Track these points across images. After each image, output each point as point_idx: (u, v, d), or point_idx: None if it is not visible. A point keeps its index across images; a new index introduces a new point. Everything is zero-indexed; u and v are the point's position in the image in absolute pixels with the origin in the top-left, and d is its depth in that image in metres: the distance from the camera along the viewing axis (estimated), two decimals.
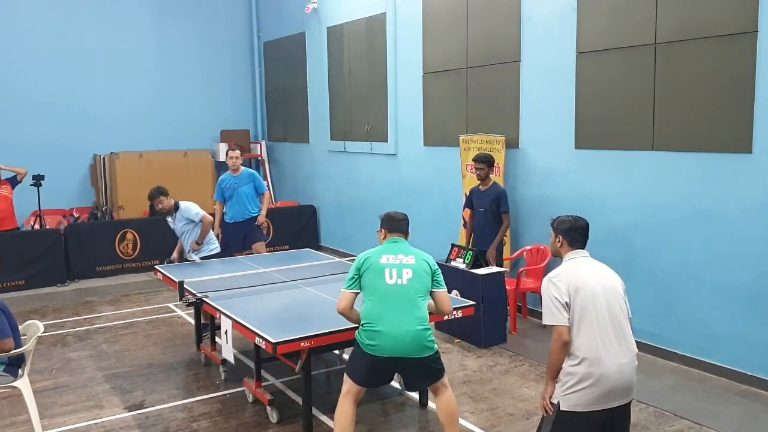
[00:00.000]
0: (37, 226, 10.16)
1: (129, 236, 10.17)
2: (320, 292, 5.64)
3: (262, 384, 5.41)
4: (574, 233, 3.68)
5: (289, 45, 12.29)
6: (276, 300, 5.50)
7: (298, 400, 5.25)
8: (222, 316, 5.13)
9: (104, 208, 11.57)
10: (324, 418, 5.10)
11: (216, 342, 6.15)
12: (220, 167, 12.53)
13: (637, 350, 3.54)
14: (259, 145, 13.27)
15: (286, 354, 4.51)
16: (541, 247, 7.33)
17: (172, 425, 5.09)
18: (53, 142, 11.51)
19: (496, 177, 7.55)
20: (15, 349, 4.71)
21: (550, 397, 3.52)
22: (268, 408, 5.12)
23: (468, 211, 7.57)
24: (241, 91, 13.49)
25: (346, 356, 6.41)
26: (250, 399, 5.44)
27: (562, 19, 6.96)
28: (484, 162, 7.10)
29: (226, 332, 5.07)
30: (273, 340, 4.34)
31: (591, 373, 3.37)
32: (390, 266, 4.21)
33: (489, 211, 7.08)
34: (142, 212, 11.15)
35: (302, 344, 4.42)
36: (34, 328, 5.02)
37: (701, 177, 5.84)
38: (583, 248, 3.70)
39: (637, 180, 6.37)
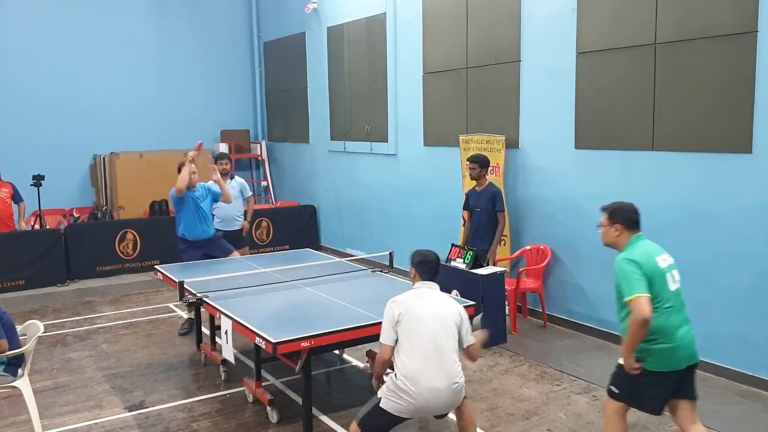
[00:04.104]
0: (37, 226, 10.16)
1: (129, 236, 10.18)
2: (320, 292, 5.64)
3: (262, 384, 5.41)
4: (424, 266, 4.18)
5: (289, 45, 12.29)
6: (276, 300, 5.49)
7: (298, 400, 5.24)
8: (222, 316, 5.13)
9: (104, 208, 11.57)
10: (324, 418, 5.10)
11: (216, 342, 6.15)
12: None
13: (458, 376, 3.90)
14: (259, 145, 13.27)
15: (286, 354, 4.51)
16: (541, 247, 7.33)
17: (172, 425, 5.09)
18: (53, 142, 11.51)
19: (496, 177, 7.56)
20: (12, 349, 4.71)
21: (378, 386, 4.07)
22: (268, 408, 5.12)
23: (467, 213, 7.58)
24: (241, 91, 13.49)
25: (346, 356, 6.42)
26: (250, 399, 5.44)
27: (562, 19, 6.96)
28: (477, 162, 7.10)
29: (226, 332, 5.07)
30: (273, 340, 4.33)
31: (406, 390, 3.82)
32: (669, 269, 3.85)
33: (485, 211, 7.11)
34: (142, 212, 11.16)
35: (302, 344, 4.41)
36: (34, 328, 5.01)
37: (701, 177, 5.84)
38: (432, 280, 4.14)
39: (637, 180, 6.37)
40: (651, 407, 3.90)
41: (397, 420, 3.95)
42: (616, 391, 3.94)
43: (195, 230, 7.23)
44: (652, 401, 3.86)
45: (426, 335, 3.85)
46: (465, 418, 4.14)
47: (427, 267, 4.17)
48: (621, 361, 3.88)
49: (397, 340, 3.92)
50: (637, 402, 3.92)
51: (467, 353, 4.14)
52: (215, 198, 7.43)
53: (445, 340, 3.88)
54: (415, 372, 3.81)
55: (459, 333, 3.99)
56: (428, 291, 4.09)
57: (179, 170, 7.17)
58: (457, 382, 3.91)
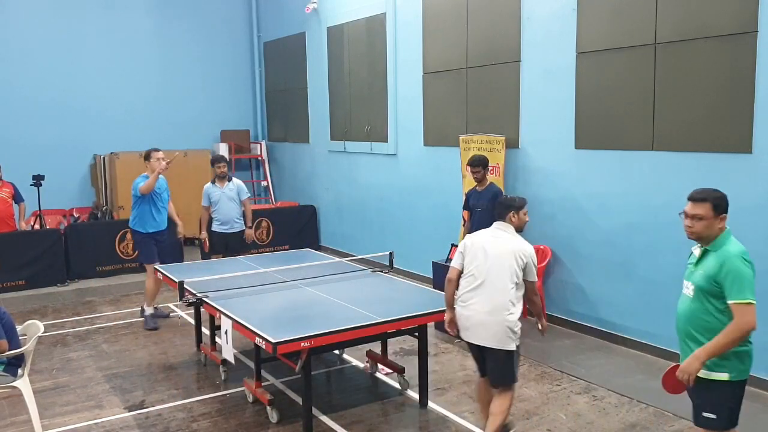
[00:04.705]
0: (37, 226, 10.16)
1: (129, 236, 10.14)
2: (320, 292, 5.64)
3: (262, 384, 5.41)
4: (499, 207, 4.55)
5: (289, 45, 12.29)
6: (276, 300, 5.49)
7: (298, 400, 5.25)
8: (222, 316, 5.14)
9: (104, 208, 11.57)
10: (324, 418, 5.11)
11: (216, 342, 6.16)
12: None
13: (508, 306, 4.21)
14: (259, 145, 13.27)
15: (286, 354, 4.51)
16: (541, 247, 7.33)
17: (172, 425, 5.09)
18: (53, 142, 11.52)
19: (496, 177, 7.55)
20: (12, 349, 4.71)
21: (450, 320, 4.47)
22: (268, 408, 5.12)
23: (467, 213, 7.57)
24: (241, 91, 13.50)
25: (346, 356, 6.42)
26: (250, 399, 5.44)
27: (562, 19, 6.96)
28: (480, 164, 7.06)
29: (226, 332, 5.07)
30: (273, 340, 4.33)
31: (459, 312, 4.40)
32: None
33: (486, 211, 7.07)
34: None
35: (302, 344, 4.41)
36: (34, 328, 5.01)
37: (701, 177, 5.83)
38: (500, 220, 4.48)
39: (637, 180, 6.37)
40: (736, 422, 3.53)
41: (471, 348, 4.45)
42: (714, 416, 3.43)
43: (149, 222, 7.63)
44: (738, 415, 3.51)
45: (483, 266, 4.29)
46: (496, 405, 4.40)
47: (499, 207, 4.54)
48: (703, 375, 3.41)
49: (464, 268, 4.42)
50: (734, 421, 3.50)
51: (529, 287, 4.39)
52: (168, 197, 7.98)
53: (498, 273, 4.25)
54: (466, 295, 4.34)
55: (523, 271, 4.30)
56: (499, 232, 4.46)
57: (146, 157, 7.68)
58: (503, 317, 4.20)
